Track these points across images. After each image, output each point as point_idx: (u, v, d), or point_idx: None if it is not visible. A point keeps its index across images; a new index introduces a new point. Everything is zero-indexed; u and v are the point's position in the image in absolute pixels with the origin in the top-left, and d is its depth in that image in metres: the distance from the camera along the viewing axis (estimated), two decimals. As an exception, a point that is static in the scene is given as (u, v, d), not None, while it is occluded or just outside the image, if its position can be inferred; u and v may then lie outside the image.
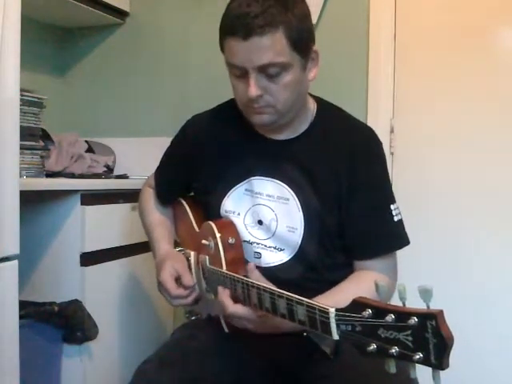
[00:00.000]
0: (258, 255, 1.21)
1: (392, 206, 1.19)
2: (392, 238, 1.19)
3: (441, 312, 0.70)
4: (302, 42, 1.10)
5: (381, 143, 1.25)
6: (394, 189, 1.24)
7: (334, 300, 0.91)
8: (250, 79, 1.08)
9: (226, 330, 1.19)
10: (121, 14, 2.45)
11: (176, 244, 1.40)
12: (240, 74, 1.11)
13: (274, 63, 1.07)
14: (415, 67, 2.07)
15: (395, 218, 1.19)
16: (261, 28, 1.04)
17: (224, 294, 1.07)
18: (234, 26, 1.06)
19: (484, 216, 1.98)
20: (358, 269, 1.19)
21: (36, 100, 1.91)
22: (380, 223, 1.18)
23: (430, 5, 2.05)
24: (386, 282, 1.14)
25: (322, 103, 1.27)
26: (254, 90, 1.09)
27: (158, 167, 1.44)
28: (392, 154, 2.08)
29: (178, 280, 1.21)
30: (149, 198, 1.45)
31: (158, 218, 1.41)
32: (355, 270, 1.20)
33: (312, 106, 1.25)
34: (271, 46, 1.06)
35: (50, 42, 2.54)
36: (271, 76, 1.09)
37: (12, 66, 1.23)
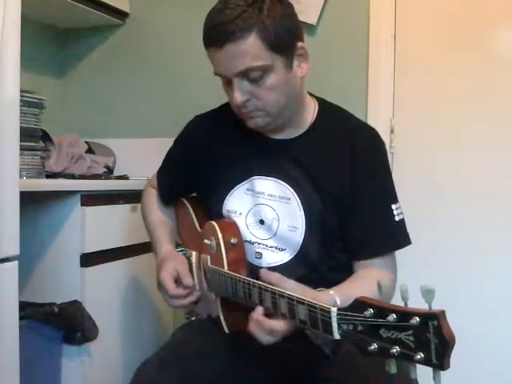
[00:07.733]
0: (259, 255, 1.20)
1: (393, 206, 1.19)
2: (392, 238, 1.19)
3: (442, 312, 0.70)
4: (282, 42, 1.09)
5: (383, 143, 1.25)
6: (394, 188, 1.25)
7: (346, 294, 0.90)
8: (234, 86, 1.09)
9: (227, 330, 1.19)
10: (121, 14, 2.44)
11: (177, 244, 1.40)
12: (227, 81, 1.12)
13: (253, 68, 1.07)
14: (415, 67, 2.07)
15: (396, 218, 1.18)
16: (233, 34, 1.04)
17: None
18: (210, 36, 1.08)
19: (485, 215, 1.98)
20: (357, 268, 1.19)
21: (36, 101, 1.91)
22: (380, 223, 1.18)
23: (430, 5, 2.05)
24: (388, 279, 1.14)
25: (323, 103, 1.27)
26: (238, 97, 1.10)
27: (161, 167, 1.44)
28: (392, 154, 2.08)
29: (177, 281, 1.21)
30: (151, 198, 1.45)
31: (160, 218, 1.41)
32: (355, 269, 1.19)
33: (313, 105, 1.25)
34: (246, 51, 1.05)
35: (50, 42, 2.54)
36: (254, 80, 1.09)
37: (12, 67, 1.23)
